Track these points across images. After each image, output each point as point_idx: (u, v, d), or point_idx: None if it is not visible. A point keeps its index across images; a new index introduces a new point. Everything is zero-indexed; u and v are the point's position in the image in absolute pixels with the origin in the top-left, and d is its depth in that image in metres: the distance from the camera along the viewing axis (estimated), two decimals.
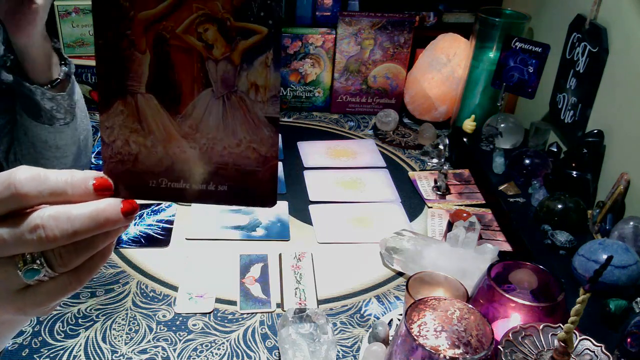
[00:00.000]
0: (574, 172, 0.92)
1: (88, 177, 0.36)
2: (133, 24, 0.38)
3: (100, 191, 0.37)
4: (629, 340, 0.60)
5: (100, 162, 0.43)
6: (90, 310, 0.77)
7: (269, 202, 0.41)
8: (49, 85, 0.79)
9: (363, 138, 1.26)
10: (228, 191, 0.41)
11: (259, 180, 0.40)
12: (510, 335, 0.54)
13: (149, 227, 0.93)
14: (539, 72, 1.05)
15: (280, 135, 1.20)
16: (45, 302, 0.37)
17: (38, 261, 0.35)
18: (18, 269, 0.35)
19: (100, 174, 0.38)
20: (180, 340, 0.73)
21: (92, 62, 1.23)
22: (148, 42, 0.38)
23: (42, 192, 0.35)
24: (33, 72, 0.77)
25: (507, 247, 0.91)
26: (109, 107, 0.40)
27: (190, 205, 0.99)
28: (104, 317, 0.76)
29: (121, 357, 0.70)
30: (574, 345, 0.53)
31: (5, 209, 0.34)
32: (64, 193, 0.35)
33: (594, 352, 0.53)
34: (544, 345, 0.54)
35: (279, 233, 0.94)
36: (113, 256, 0.86)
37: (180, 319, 0.76)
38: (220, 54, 0.38)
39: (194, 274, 0.84)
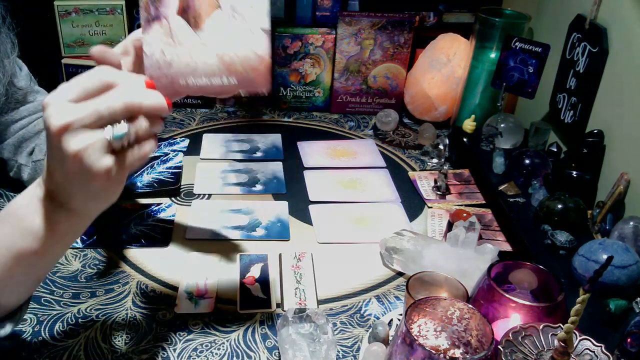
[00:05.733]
0: (574, 172, 0.92)
1: (142, 76, 0.54)
2: None
3: (149, 87, 0.53)
4: (629, 340, 0.60)
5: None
6: (90, 310, 0.77)
7: (267, 88, 0.58)
8: None
9: (363, 138, 1.26)
10: (238, 83, 0.57)
11: (258, 72, 0.56)
12: (510, 335, 0.54)
13: (149, 227, 0.93)
14: (539, 72, 1.05)
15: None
16: (117, 176, 0.51)
17: (124, 123, 0.50)
18: (109, 134, 0.49)
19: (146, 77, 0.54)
20: (180, 340, 0.73)
21: (92, 63, 1.23)
22: None
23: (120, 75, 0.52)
24: None
25: (507, 247, 0.91)
26: (150, 28, 0.55)
27: (190, 205, 0.99)
28: (104, 317, 0.76)
29: (121, 357, 0.70)
30: (574, 345, 0.53)
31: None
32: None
33: (594, 352, 0.53)
34: (544, 345, 0.54)
35: (279, 233, 0.94)
36: (113, 256, 0.86)
37: (180, 319, 0.76)
38: None
39: (194, 274, 0.84)
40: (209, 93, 0.57)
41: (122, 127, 0.50)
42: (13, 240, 0.54)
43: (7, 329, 0.59)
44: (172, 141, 1.19)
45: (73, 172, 0.50)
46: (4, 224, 0.55)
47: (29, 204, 0.55)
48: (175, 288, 0.81)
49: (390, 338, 0.69)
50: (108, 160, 0.50)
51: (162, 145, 1.17)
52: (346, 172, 1.12)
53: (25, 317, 0.74)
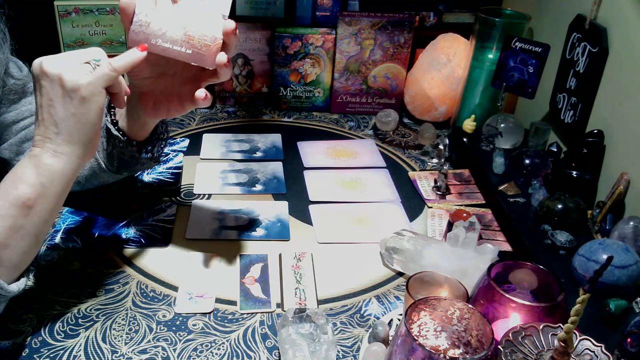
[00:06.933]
0: (574, 172, 0.93)
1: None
2: None
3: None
4: (629, 340, 0.60)
5: None
6: (90, 310, 0.77)
7: (212, 65, 0.69)
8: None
9: (363, 138, 1.26)
10: (191, 54, 0.68)
11: (210, 50, 0.68)
12: (510, 335, 0.54)
13: (148, 227, 0.93)
14: (539, 72, 1.05)
15: (279, 137, 1.19)
16: (94, 91, 0.66)
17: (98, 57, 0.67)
18: (90, 62, 0.66)
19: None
20: (180, 340, 0.73)
21: None
22: None
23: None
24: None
25: (507, 247, 0.91)
26: None
27: (190, 205, 0.99)
28: (104, 317, 0.76)
29: (121, 357, 0.70)
30: (574, 345, 0.53)
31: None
32: None
33: (594, 352, 0.53)
34: (544, 345, 0.54)
35: (279, 233, 0.94)
36: (113, 256, 0.86)
37: (180, 319, 0.76)
38: None
39: (194, 274, 0.84)
40: (167, 55, 0.68)
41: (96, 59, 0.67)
42: (8, 191, 0.64)
43: (21, 283, 0.67)
44: (172, 141, 1.19)
45: (59, 87, 0.64)
46: (1, 184, 0.65)
47: (21, 162, 0.66)
48: (175, 288, 0.81)
49: (390, 338, 0.69)
50: (87, 76, 0.65)
51: None
52: (346, 172, 1.12)
53: (25, 317, 0.74)
